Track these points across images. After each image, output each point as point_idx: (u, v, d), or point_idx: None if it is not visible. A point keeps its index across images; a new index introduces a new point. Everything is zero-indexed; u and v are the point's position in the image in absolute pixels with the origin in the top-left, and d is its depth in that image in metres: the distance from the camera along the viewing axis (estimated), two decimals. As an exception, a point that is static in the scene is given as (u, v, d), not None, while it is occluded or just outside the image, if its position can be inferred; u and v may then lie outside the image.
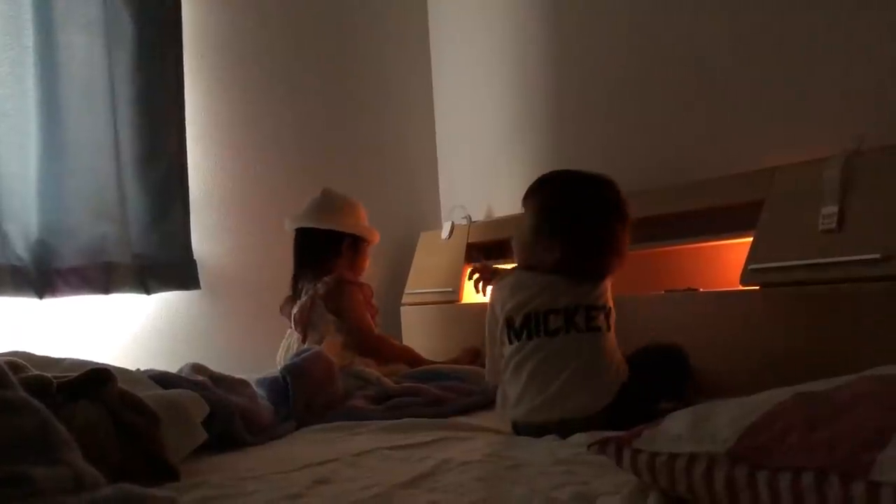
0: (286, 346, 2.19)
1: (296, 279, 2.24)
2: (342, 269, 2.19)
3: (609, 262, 1.48)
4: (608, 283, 1.50)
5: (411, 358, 2.16)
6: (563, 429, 1.33)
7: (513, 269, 1.56)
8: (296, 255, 2.26)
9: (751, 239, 1.60)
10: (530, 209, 1.53)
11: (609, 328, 1.45)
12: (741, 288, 1.59)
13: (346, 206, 2.26)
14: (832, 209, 1.44)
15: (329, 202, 2.25)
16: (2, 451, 0.61)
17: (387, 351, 2.15)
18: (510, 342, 1.45)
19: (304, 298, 2.16)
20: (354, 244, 2.24)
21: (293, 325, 2.18)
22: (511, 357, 1.44)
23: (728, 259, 1.78)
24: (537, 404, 1.38)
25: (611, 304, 1.48)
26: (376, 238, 2.30)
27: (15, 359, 1.17)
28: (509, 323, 1.45)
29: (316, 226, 2.22)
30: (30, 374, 1.11)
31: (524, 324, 1.43)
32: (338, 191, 2.30)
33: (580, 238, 1.46)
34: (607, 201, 1.50)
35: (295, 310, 2.17)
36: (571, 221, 1.48)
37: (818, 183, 1.48)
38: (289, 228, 2.28)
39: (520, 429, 1.41)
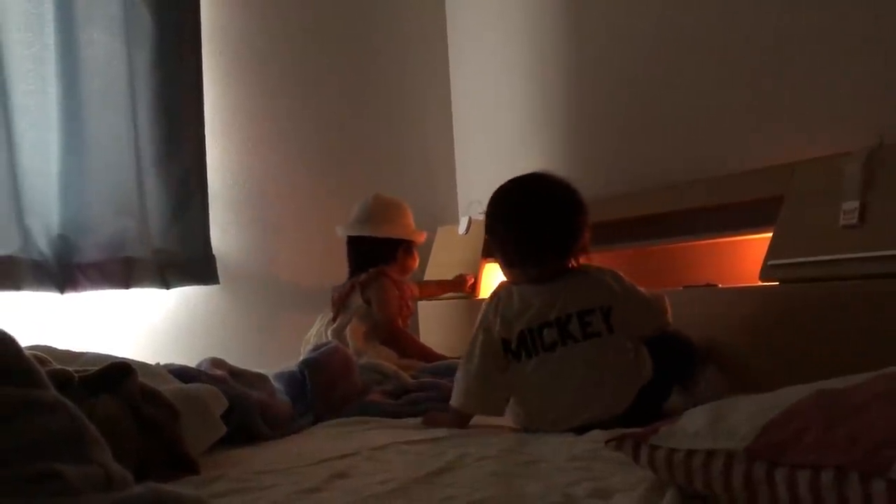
0: (320, 324, 2.27)
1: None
2: (391, 269, 2.26)
3: (558, 248, 1.46)
4: (603, 277, 1.46)
5: (429, 355, 2.17)
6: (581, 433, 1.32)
7: (497, 287, 1.55)
8: (350, 260, 2.32)
9: (770, 234, 1.59)
10: (488, 233, 1.55)
11: (612, 330, 1.39)
12: (761, 284, 1.58)
13: (398, 211, 2.33)
14: (853, 204, 1.42)
15: (382, 209, 2.31)
16: (34, 449, 0.62)
17: (406, 342, 2.19)
18: (508, 362, 1.43)
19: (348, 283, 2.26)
20: (407, 249, 2.31)
21: (332, 306, 2.26)
22: (515, 376, 1.42)
23: (748, 255, 1.77)
24: (550, 419, 1.38)
25: (612, 302, 1.41)
26: (423, 238, 2.37)
27: (37, 353, 1.18)
28: (506, 344, 1.43)
29: (371, 234, 2.28)
30: (51, 368, 1.12)
31: (520, 343, 1.41)
32: (386, 195, 2.35)
33: (521, 241, 1.47)
34: (531, 194, 1.50)
35: (336, 293, 2.27)
36: (506, 231, 1.50)
37: (839, 178, 1.46)
38: (341, 235, 2.33)
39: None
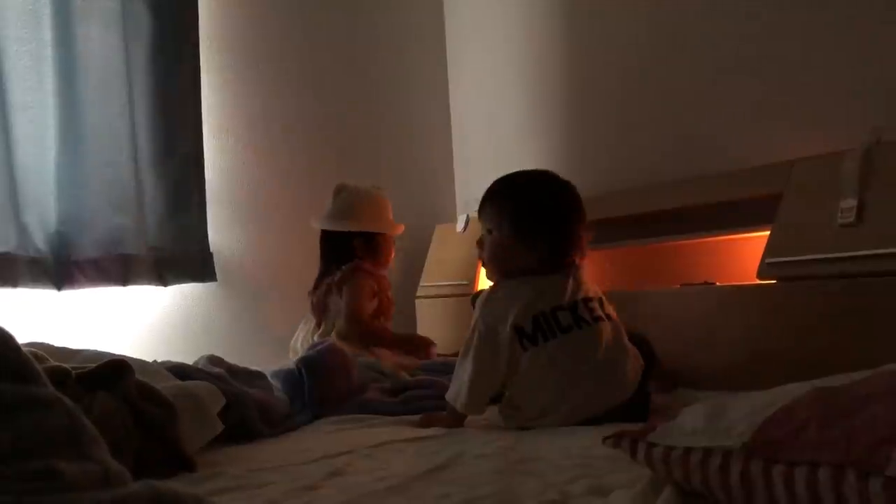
0: (304, 330, 2.24)
1: (322, 275, 2.26)
2: (367, 263, 2.21)
3: (575, 255, 1.50)
4: (585, 276, 1.50)
5: (406, 343, 2.16)
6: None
7: (495, 284, 1.54)
8: (324, 254, 2.28)
9: (768, 232, 1.59)
10: (504, 215, 1.52)
11: (609, 317, 1.45)
12: (758, 282, 1.59)
13: (357, 203, 2.25)
14: (851, 202, 1.42)
15: (341, 202, 2.26)
16: (33, 446, 0.62)
17: (380, 335, 2.15)
18: (524, 349, 1.41)
19: (323, 286, 2.20)
20: (367, 241, 2.23)
21: (312, 311, 2.22)
22: (531, 363, 1.40)
23: (745, 253, 1.77)
24: (566, 409, 1.37)
25: (601, 293, 1.49)
26: (394, 230, 2.29)
27: (34, 350, 1.18)
28: (520, 331, 1.41)
29: (328, 228, 2.25)
30: (48, 365, 1.12)
31: (536, 327, 1.40)
32: (353, 185, 2.29)
33: (558, 234, 1.48)
34: (573, 199, 1.52)
35: (313, 297, 2.22)
36: (551, 219, 1.49)
37: (837, 176, 1.47)
38: (317, 227, 2.30)
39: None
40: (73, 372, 1.11)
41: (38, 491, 0.58)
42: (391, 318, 2.25)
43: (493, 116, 2.75)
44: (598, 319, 1.43)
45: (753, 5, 1.83)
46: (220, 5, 2.50)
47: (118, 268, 2.19)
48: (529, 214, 1.50)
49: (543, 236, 1.47)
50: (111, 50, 2.20)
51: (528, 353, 1.40)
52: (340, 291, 2.16)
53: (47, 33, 2.10)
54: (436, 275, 2.63)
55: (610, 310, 1.48)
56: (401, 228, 2.31)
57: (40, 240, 2.08)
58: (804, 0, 1.72)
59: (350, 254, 2.21)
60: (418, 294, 2.67)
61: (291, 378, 1.68)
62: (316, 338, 2.11)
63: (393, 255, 2.31)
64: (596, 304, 1.45)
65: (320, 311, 2.19)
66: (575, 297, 1.43)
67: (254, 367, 1.71)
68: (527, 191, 1.54)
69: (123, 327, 2.25)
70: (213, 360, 1.66)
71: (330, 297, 2.18)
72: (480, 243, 1.57)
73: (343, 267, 2.18)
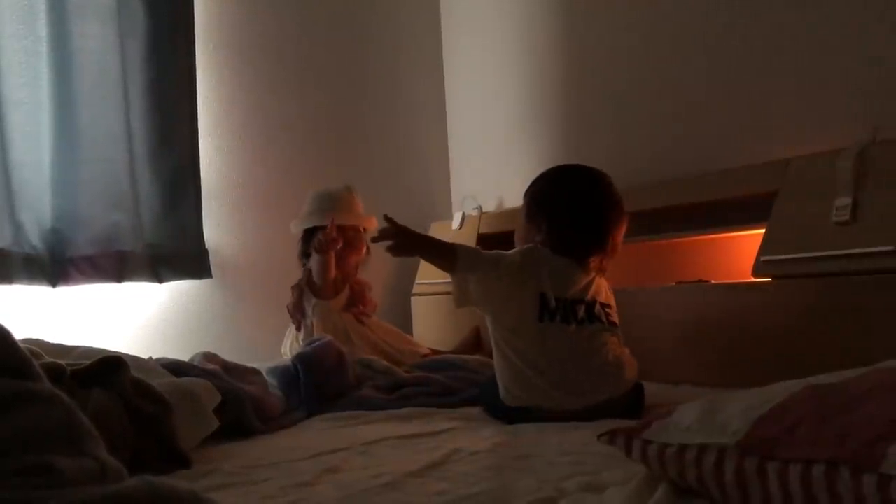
0: (290, 337, 2.24)
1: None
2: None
3: (594, 246, 1.52)
4: (603, 281, 1.54)
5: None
6: (583, 418, 1.35)
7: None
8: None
9: (763, 230, 1.59)
10: (525, 198, 1.60)
11: (616, 326, 1.50)
12: (753, 280, 1.59)
13: (327, 199, 2.26)
14: (846, 200, 1.43)
15: (312, 201, 2.27)
16: (30, 442, 0.62)
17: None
18: (541, 320, 1.43)
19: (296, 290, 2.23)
20: (307, 239, 2.25)
21: (291, 318, 2.24)
22: (540, 337, 1.42)
23: (741, 250, 1.78)
24: (576, 392, 1.40)
25: (612, 302, 1.52)
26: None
27: (30, 346, 1.18)
28: (544, 300, 1.44)
29: (305, 227, 2.28)
30: (43, 361, 1.12)
31: (558, 306, 1.44)
32: (328, 185, 2.32)
33: (564, 218, 1.52)
34: (595, 187, 1.55)
35: (289, 303, 2.24)
36: (557, 200, 1.54)
37: (832, 174, 1.47)
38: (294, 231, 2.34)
39: (534, 415, 1.40)
40: (69, 369, 1.11)
41: (35, 486, 0.58)
42: (373, 309, 2.27)
43: (489, 114, 2.74)
44: (612, 324, 1.48)
45: (750, 4, 1.83)
46: (217, 3, 2.49)
47: (113, 265, 2.19)
48: (540, 199, 1.57)
49: (547, 221, 1.52)
50: (107, 46, 2.20)
51: (543, 324, 1.43)
52: (312, 289, 2.19)
53: (42, 29, 2.10)
54: (431, 273, 2.62)
55: (616, 318, 1.51)
56: (366, 222, 2.26)
57: (35, 237, 2.07)
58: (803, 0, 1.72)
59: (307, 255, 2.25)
60: (413, 292, 2.67)
61: (287, 375, 1.68)
62: (301, 342, 2.11)
63: (353, 246, 2.26)
64: (611, 311, 1.50)
65: (298, 314, 2.20)
66: (595, 297, 1.48)
67: (249, 364, 1.71)
68: (548, 177, 1.60)
69: (119, 324, 2.25)
70: (209, 356, 1.66)
71: (303, 298, 2.20)
72: None
73: (306, 267, 2.24)
